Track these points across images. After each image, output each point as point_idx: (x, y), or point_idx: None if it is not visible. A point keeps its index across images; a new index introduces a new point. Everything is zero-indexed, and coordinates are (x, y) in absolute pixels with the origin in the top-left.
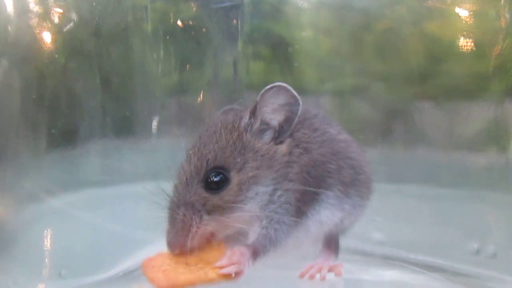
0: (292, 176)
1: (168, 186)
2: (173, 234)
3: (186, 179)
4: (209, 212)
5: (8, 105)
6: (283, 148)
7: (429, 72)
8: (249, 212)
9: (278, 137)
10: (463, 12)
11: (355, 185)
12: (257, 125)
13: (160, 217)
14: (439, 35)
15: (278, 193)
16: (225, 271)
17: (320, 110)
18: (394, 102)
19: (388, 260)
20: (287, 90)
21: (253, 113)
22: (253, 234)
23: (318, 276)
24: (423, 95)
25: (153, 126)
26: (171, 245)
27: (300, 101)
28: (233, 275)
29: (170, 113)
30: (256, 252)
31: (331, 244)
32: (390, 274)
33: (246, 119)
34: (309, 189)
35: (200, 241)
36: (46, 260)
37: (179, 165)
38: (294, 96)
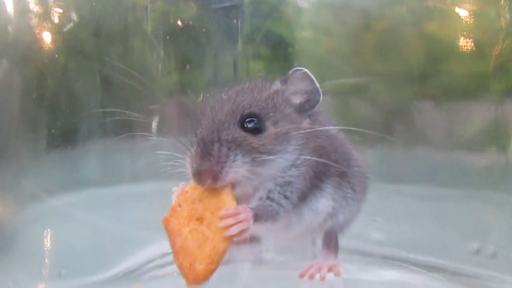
0: (308, 153)
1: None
2: (205, 167)
3: (221, 120)
4: (244, 154)
5: (8, 105)
6: (306, 122)
7: (429, 72)
8: (279, 164)
9: (300, 113)
10: (463, 12)
11: (347, 176)
12: (287, 93)
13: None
14: (439, 35)
15: (301, 159)
16: (232, 231)
17: (320, 109)
18: (394, 102)
19: (388, 260)
20: (311, 80)
21: (285, 82)
22: (256, 199)
23: (317, 276)
24: (423, 95)
25: (153, 126)
26: (201, 177)
27: (321, 92)
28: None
29: (170, 113)
30: (257, 216)
31: (331, 243)
32: (390, 274)
33: (277, 85)
34: (325, 162)
35: (227, 183)
36: (46, 260)
37: (204, 113)
38: (315, 85)
